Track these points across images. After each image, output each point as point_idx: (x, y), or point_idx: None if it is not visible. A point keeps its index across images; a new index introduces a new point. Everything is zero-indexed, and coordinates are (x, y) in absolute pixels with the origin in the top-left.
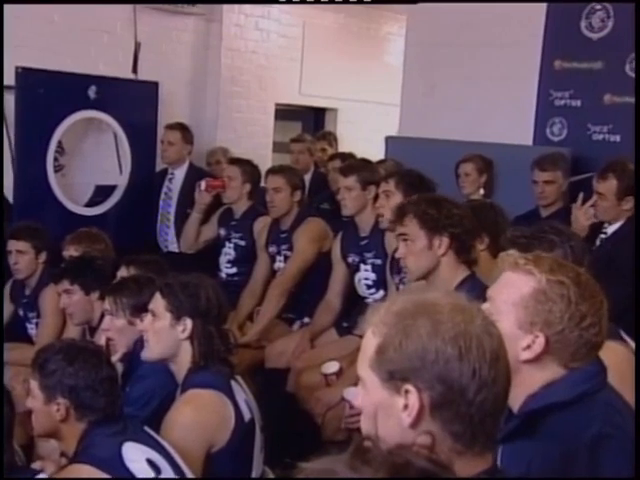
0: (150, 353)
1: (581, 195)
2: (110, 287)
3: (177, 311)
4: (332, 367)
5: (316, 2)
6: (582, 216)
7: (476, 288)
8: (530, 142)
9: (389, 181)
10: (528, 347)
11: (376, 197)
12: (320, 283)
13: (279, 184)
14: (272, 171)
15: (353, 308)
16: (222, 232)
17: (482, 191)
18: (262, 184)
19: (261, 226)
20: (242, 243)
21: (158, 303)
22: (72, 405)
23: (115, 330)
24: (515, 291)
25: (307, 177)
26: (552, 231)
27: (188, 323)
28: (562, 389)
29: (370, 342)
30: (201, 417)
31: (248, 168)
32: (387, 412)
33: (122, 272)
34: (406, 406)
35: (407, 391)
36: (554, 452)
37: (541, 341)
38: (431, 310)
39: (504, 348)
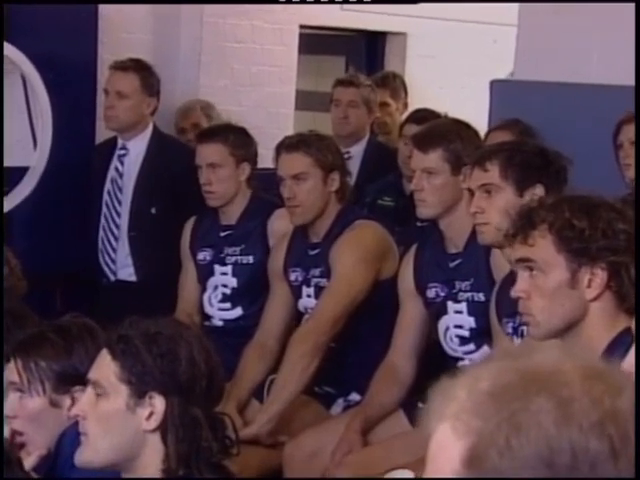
0: (92, 454)
1: None
2: (18, 342)
3: (140, 383)
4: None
5: (316, 2)
6: None
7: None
8: None
9: (488, 167)
10: None
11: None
12: (377, 334)
13: (302, 167)
14: (286, 147)
15: (435, 377)
16: (204, 256)
17: None
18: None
19: (284, 225)
20: (248, 260)
21: (106, 369)
22: None
23: (27, 417)
24: None
25: (358, 149)
26: None
27: (158, 404)
28: None
29: (450, 445)
30: None
31: (237, 138)
32: None
33: None
34: None
35: None
36: None
37: None
38: (551, 382)
39: None
